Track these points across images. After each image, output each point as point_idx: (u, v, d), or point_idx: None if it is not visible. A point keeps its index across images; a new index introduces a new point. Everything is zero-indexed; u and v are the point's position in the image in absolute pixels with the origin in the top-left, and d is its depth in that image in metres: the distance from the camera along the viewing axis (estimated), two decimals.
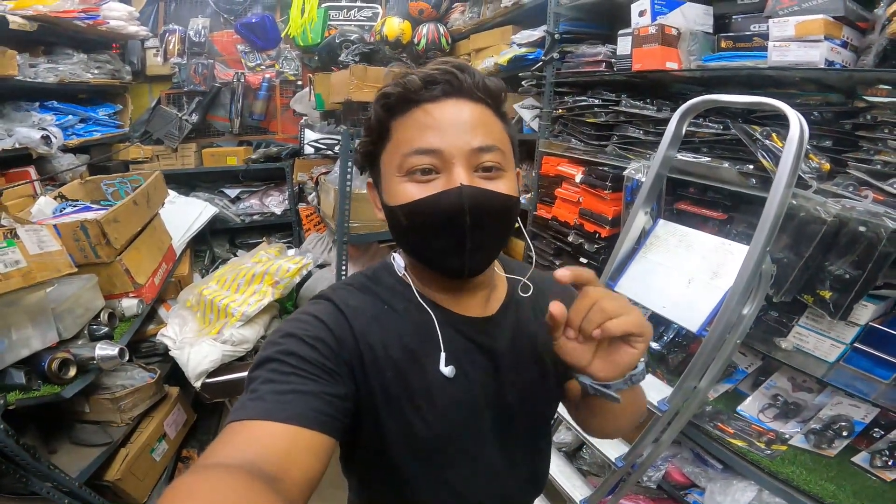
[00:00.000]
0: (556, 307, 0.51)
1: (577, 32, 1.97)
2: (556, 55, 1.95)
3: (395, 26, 2.90)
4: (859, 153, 1.13)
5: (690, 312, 1.24)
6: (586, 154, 1.80)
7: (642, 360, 0.56)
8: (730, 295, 1.14)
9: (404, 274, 0.65)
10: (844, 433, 1.27)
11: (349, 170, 1.64)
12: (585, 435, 1.47)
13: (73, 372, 1.50)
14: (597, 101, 1.77)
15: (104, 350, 1.58)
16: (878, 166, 1.06)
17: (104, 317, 1.79)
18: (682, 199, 1.54)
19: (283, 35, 2.98)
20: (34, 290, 1.46)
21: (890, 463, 1.17)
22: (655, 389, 1.35)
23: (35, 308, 1.49)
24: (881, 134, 1.06)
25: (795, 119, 1.04)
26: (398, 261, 0.67)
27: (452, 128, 0.56)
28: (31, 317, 1.48)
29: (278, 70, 3.15)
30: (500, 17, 2.42)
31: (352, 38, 2.81)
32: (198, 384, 1.92)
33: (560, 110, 1.97)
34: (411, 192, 0.56)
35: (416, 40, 2.93)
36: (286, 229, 3.28)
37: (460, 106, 0.57)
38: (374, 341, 0.59)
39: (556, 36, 1.94)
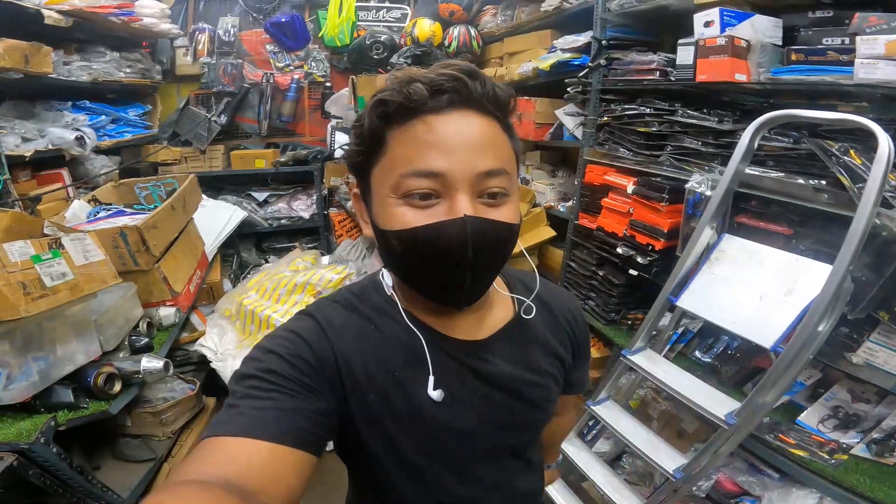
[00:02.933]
0: None
1: (623, 39, 1.96)
2: (602, 62, 1.93)
3: (426, 28, 2.87)
4: None
5: (763, 329, 1.24)
6: (637, 164, 1.78)
7: None
8: (810, 313, 1.14)
9: (392, 293, 0.62)
10: None
11: None
12: (638, 446, 1.46)
13: (118, 387, 1.46)
14: (647, 110, 1.75)
15: (150, 363, 1.54)
16: None
17: (143, 327, 1.76)
18: (742, 212, 1.53)
19: (316, 35, 2.93)
20: (77, 302, 1.40)
21: None
22: (718, 402, 1.34)
23: (78, 321, 1.44)
24: None
25: (884, 138, 1.04)
26: (387, 278, 0.64)
27: (458, 148, 0.50)
28: (75, 330, 1.42)
29: (307, 71, 3.10)
30: (539, 21, 2.40)
31: (381, 40, 2.77)
32: None
33: (606, 118, 1.95)
34: (407, 217, 0.51)
35: (446, 42, 2.91)
36: (313, 233, 3.24)
37: (468, 120, 0.51)
38: (355, 363, 0.56)
39: (604, 42, 1.92)
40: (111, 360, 1.52)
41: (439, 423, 0.58)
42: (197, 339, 2.08)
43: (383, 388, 0.57)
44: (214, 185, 3.04)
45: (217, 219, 2.60)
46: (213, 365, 1.90)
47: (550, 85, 2.31)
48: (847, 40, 1.23)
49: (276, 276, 2.07)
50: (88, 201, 2.15)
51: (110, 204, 2.21)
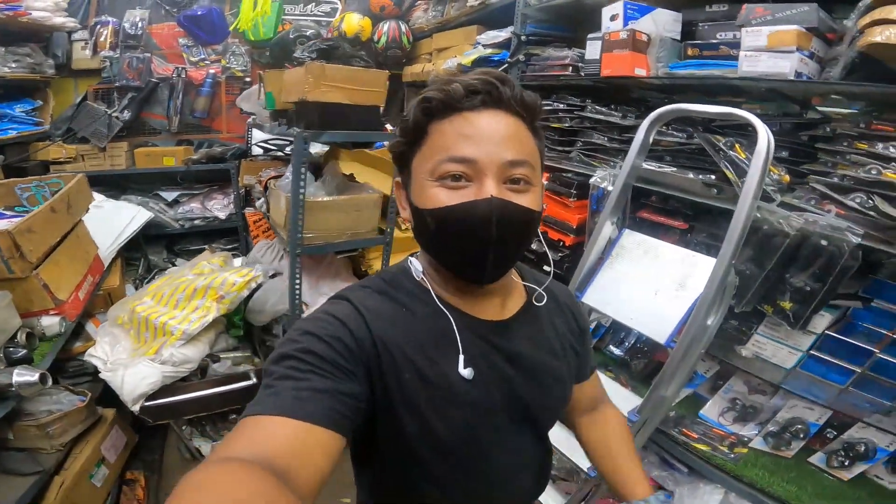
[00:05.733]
0: None
1: (543, 35, 1.95)
2: (521, 57, 1.91)
3: (354, 22, 2.79)
4: (817, 165, 1.15)
5: (658, 324, 1.24)
6: (551, 160, 1.77)
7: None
8: (697, 307, 1.15)
9: (422, 278, 0.67)
10: (801, 435, 1.30)
11: (303, 176, 1.51)
12: (556, 446, 1.43)
13: None
14: (561, 106, 1.74)
15: (23, 376, 1.43)
16: (836, 179, 1.08)
17: (21, 337, 1.62)
18: (643, 207, 1.54)
19: (231, 28, 2.79)
20: None
21: (846, 463, 1.21)
22: (622, 398, 1.34)
23: None
24: (840, 147, 1.07)
25: (763, 131, 1.04)
26: (416, 265, 0.68)
27: (488, 139, 0.58)
28: None
29: (224, 65, 2.93)
30: (465, 17, 2.36)
31: (307, 34, 2.66)
32: (136, 408, 1.76)
33: None
34: (442, 197, 0.58)
35: (375, 38, 2.84)
36: (231, 234, 3.07)
37: (498, 118, 0.59)
38: (391, 343, 0.59)
39: (523, 37, 1.90)
40: None
41: (468, 400, 0.62)
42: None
43: (418, 366, 0.60)
44: (118, 185, 2.83)
45: (117, 220, 2.40)
46: (102, 375, 1.75)
47: None
48: (737, 34, 1.24)
49: (176, 280, 1.91)
50: None
51: None
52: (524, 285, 0.73)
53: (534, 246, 1.81)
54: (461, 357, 0.62)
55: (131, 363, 1.71)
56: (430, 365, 0.61)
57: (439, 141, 0.59)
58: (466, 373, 0.61)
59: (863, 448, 1.20)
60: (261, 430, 0.46)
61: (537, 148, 0.63)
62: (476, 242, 0.58)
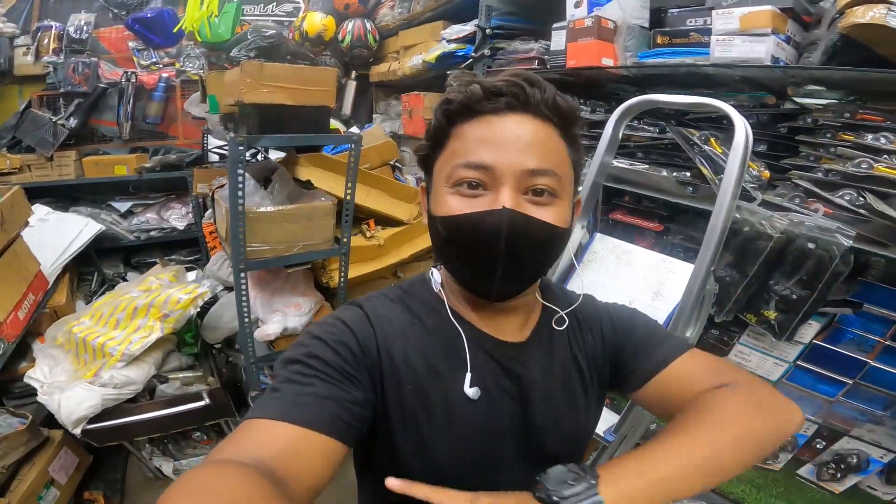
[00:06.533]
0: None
1: (509, 28, 1.85)
2: (486, 51, 1.81)
3: (316, 22, 2.67)
4: (798, 159, 1.06)
5: None
6: None
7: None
8: (674, 318, 1.05)
9: (440, 290, 0.64)
10: (789, 447, 1.21)
11: (240, 184, 1.37)
12: None
13: None
14: None
15: None
16: (821, 174, 0.98)
17: None
18: (616, 208, 1.43)
19: (175, 30, 2.66)
20: None
21: (838, 476, 1.14)
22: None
23: None
24: (823, 139, 0.98)
25: (741, 123, 0.94)
26: (435, 276, 0.65)
27: (509, 145, 0.54)
28: None
29: (179, 69, 2.79)
30: (430, 12, 2.25)
31: (267, 35, 2.52)
32: (77, 431, 1.64)
33: None
34: (454, 205, 0.55)
35: (340, 37, 2.72)
36: (192, 245, 2.92)
37: (523, 122, 0.55)
38: (396, 352, 0.57)
39: (488, 31, 1.80)
40: None
41: (471, 422, 0.58)
42: None
43: (421, 379, 0.57)
44: (68, 196, 2.68)
45: (63, 234, 2.26)
46: (39, 399, 1.64)
47: (442, 78, 2.16)
48: (708, 20, 1.16)
49: (118, 298, 1.77)
50: None
51: None
52: (544, 304, 0.67)
53: None
54: (468, 375, 0.58)
55: (68, 386, 1.60)
56: (433, 379, 0.58)
57: (458, 145, 0.56)
58: (472, 392, 0.57)
59: (854, 460, 1.12)
60: (259, 434, 0.45)
61: (570, 158, 0.58)
62: (483, 255, 0.54)
